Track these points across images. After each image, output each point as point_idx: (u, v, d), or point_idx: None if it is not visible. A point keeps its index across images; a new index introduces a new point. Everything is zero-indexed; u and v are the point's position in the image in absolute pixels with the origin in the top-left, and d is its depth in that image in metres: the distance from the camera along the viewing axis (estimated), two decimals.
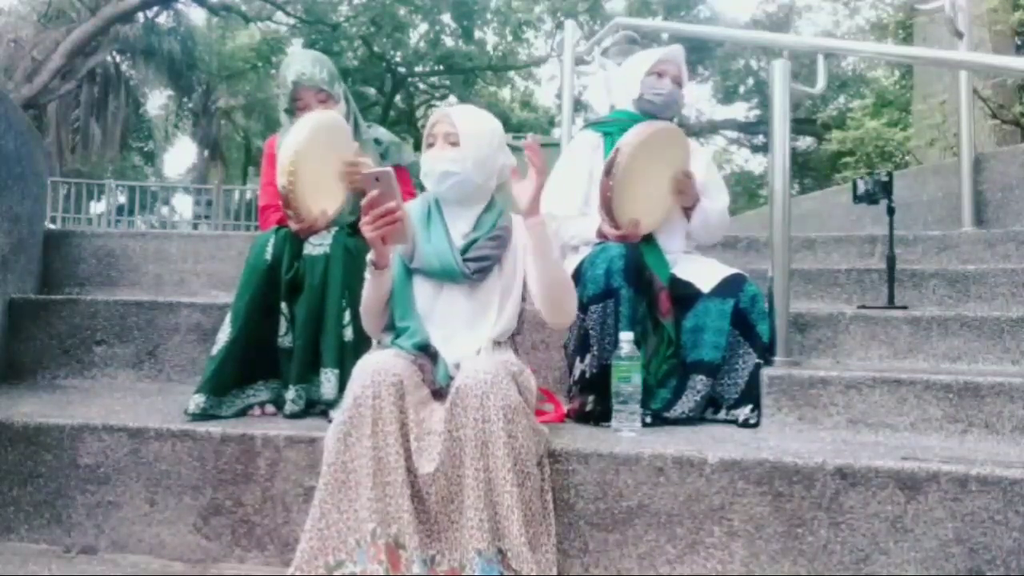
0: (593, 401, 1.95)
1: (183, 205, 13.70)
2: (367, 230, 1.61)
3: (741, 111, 18.50)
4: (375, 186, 1.58)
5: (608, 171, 2.00)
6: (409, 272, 1.76)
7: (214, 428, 1.77)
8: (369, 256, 1.70)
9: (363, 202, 1.59)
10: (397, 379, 1.52)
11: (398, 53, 16.22)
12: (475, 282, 1.74)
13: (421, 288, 1.76)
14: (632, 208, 2.04)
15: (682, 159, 2.13)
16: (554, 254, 1.72)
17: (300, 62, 2.16)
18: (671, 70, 2.24)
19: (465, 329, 1.73)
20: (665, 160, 2.09)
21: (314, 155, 1.96)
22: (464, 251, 1.74)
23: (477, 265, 1.73)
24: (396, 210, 1.59)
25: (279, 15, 15.29)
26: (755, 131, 17.53)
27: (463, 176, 1.74)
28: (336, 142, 2.06)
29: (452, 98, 17.12)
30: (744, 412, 1.98)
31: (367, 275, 1.72)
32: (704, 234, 2.27)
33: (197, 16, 16.01)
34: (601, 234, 2.09)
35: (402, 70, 16.83)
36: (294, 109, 2.17)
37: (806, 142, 14.96)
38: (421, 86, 18.28)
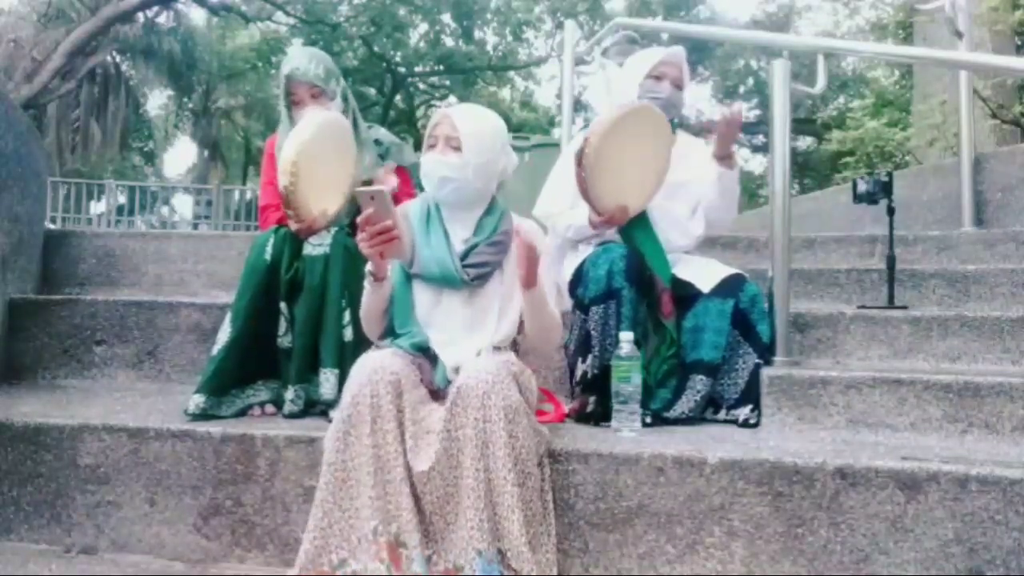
0: (594, 402, 1.95)
1: (183, 205, 13.69)
2: (364, 247, 1.61)
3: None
4: (370, 204, 1.58)
5: (579, 161, 1.98)
6: (409, 278, 1.76)
7: (214, 428, 1.77)
8: (368, 267, 1.70)
9: (359, 219, 1.60)
10: (395, 377, 1.53)
11: (398, 53, 16.21)
12: (475, 287, 1.74)
13: (421, 293, 1.76)
14: (612, 193, 2.01)
15: (662, 134, 2.07)
16: (547, 318, 1.74)
17: (296, 57, 2.18)
18: (671, 72, 2.23)
19: (465, 334, 1.73)
20: (642, 139, 2.04)
21: (316, 156, 1.96)
22: (464, 256, 1.74)
23: (476, 271, 1.73)
24: (392, 228, 1.59)
25: (279, 15, 15.27)
26: (755, 131, 17.51)
27: (462, 182, 1.74)
28: (337, 142, 2.06)
29: (452, 98, 17.11)
30: (744, 412, 1.98)
31: (366, 285, 1.72)
32: (723, 204, 2.23)
33: (197, 16, 16.03)
34: (592, 221, 2.08)
35: (402, 70, 16.82)
36: (290, 104, 2.18)
37: (806, 142, 14.96)
38: (421, 86, 18.27)
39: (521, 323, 1.82)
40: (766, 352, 2.03)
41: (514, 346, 1.82)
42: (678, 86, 2.25)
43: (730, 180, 2.22)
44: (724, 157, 2.19)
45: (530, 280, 1.64)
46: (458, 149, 1.73)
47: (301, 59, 2.16)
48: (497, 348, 1.71)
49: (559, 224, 2.17)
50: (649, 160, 2.07)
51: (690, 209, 2.25)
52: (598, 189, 1.99)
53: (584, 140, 1.98)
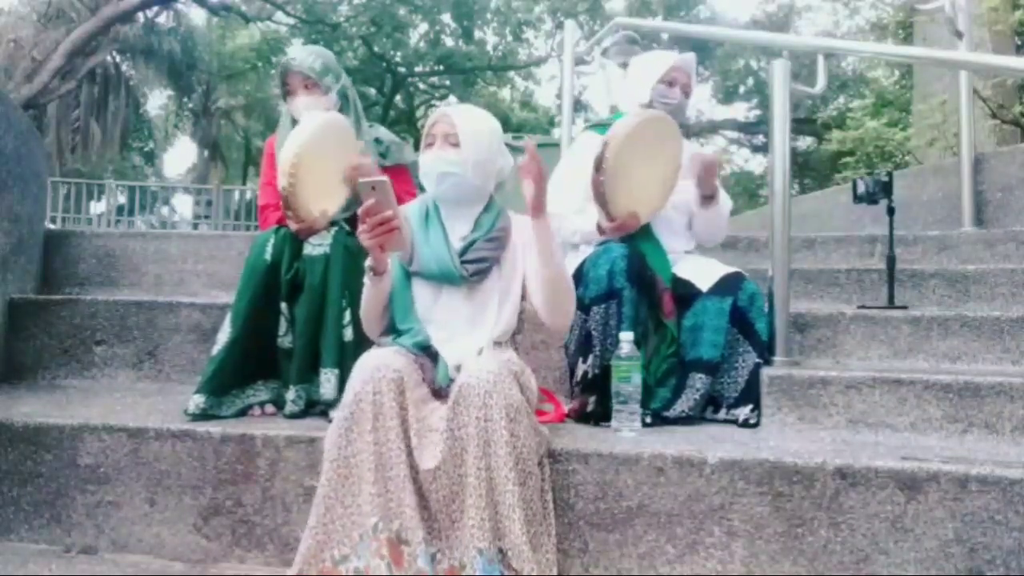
0: (594, 402, 1.95)
1: (183, 205, 13.72)
2: (365, 238, 1.62)
3: (741, 111, 18.51)
4: (371, 195, 1.58)
5: (598, 166, 1.98)
6: (408, 275, 1.76)
7: (214, 428, 1.77)
8: (367, 262, 1.70)
9: (360, 210, 1.60)
10: (398, 375, 1.53)
11: (398, 53, 16.21)
12: (474, 284, 1.75)
13: (420, 291, 1.76)
14: (626, 199, 2.02)
15: (674, 146, 2.10)
16: (557, 255, 1.70)
17: (295, 49, 2.23)
18: (682, 78, 2.24)
19: (465, 330, 1.73)
20: (656, 148, 2.06)
21: (315, 156, 1.96)
22: (462, 253, 1.75)
23: (475, 267, 1.73)
24: (393, 219, 1.60)
25: (279, 15, 15.29)
26: (755, 131, 17.51)
27: (461, 177, 1.74)
28: (338, 142, 2.06)
29: (452, 98, 17.11)
30: (744, 412, 1.98)
31: (366, 280, 1.73)
32: (708, 233, 2.28)
33: (197, 16, 16.03)
34: (601, 227, 2.08)
35: (402, 70, 16.83)
36: (285, 94, 2.21)
37: (806, 142, 14.94)
38: (421, 86, 18.28)
39: (520, 320, 1.82)
40: (765, 351, 2.03)
41: (514, 344, 1.82)
42: (686, 93, 2.26)
43: (712, 217, 2.23)
44: (707, 197, 2.19)
45: (539, 201, 1.63)
46: (456, 145, 1.74)
47: (299, 51, 2.20)
48: (497, 343, 1.72)
49: (565, 228, 2.17)
50: (661, 170, 2.09)
51: (688, 217, 2.26)
52: (614, 194, 2.00)
53: (603, 145, 1.98)
